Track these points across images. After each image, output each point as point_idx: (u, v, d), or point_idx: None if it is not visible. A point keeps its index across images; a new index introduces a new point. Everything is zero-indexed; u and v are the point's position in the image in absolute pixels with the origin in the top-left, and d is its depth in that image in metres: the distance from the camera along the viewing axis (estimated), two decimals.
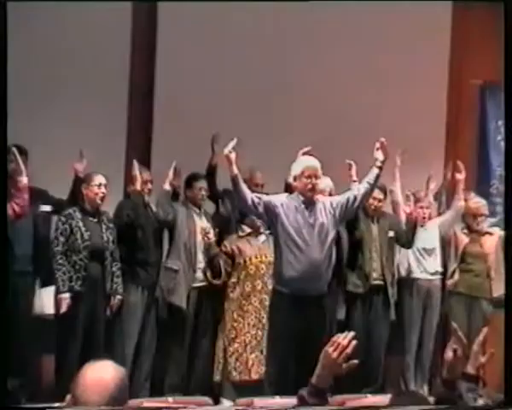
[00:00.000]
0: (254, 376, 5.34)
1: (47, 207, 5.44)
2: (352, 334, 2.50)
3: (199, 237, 5.62)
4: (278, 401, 3.82)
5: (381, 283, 5.93)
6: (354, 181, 5.33)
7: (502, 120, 7.13)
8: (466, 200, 6.28)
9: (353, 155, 5.43)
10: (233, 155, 4.64)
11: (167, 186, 5.52)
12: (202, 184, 5.72)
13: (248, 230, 5.63)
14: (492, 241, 6.30)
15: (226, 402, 5.26)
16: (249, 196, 4.75)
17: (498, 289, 6.30)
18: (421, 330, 6.21)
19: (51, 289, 5.30)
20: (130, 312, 5.46)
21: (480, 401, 3.09)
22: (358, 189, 4.91)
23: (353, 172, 5.34)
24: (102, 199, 5.26)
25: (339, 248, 5.62)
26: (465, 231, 6.28)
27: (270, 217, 4.82)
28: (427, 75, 6.73)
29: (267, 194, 5.06)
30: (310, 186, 4.77)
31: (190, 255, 5.60)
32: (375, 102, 6.50)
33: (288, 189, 5.15)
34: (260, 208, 4.77)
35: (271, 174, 5.76)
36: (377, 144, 4.79)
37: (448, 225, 6.26)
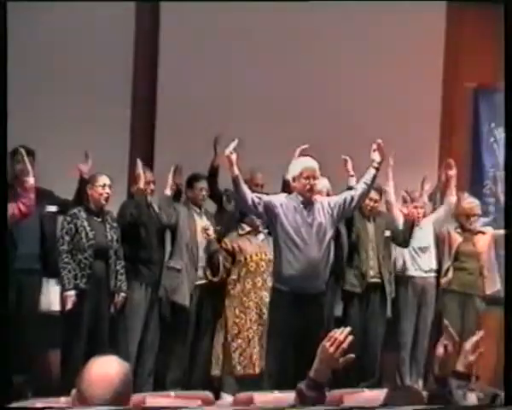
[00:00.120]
0: (258, 370, 5.34)
1: (53, 208, 5.45)
2: (348, 329, 2.52)
3: (200, 237, 5.63)
4: (277, 395, 3.81)
5: (379, 280, 5.94)
6: (351, 176, 5.35)
7: (494, 122, 7.15)
8: (459, 200, 6.30)
9: (349, 156, 5.43)
10: (234, 156, 4.64)
11: (168, 191, 5.54)
12: (203, 184, 5.73)
13: (248, 228, 5.63)
14: (485, 240, 6.32)
15: (226, 397, 5.26)
16: (249, 196, 4.75)
17: (491, 287, 6.32)
18: (416, 327, 6.23)
19: (57, 287, 5.30)
20: (133, 309, 5.46)
21: (470, 396, 3.10)
22: (356, 189, 4.92)
23: (349, 166, 5.35)
24: (107, 199, 5.27)
25: (338, 246, 5.64)
26: (458, 230, 6.30)
27: (270, 216, 4.82)
28: (421, 78, 6.73)
29: (267, 194, 5.05)
30: (308, 187, 4.77)
31: (192, 254, 5.61)
32: (371, 105, 6.50)
33: (286, 186, 5.15)
34: (260, 208, 4.77)
35: (271, 175, 5.76)
36: (374, 146, 4.80)
37: (442, 221, 6.28)
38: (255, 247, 5.59)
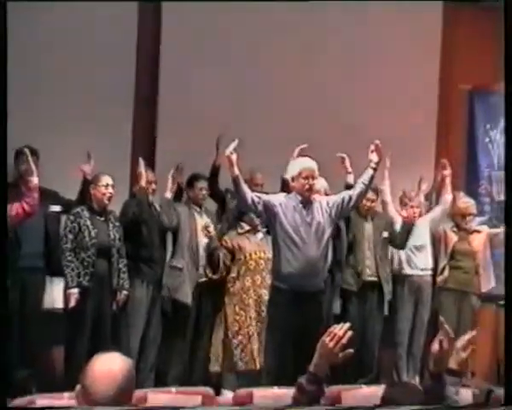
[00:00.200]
0: (259, 365, 5.35)
1: (57, 207, 5.45)
2: (347, 325, 2.55)
3: (200, 236, 5.64)
4: (277, 391, 3.82)
5: (376, 279, 5.95)
6: (349, 173, 5.37)
7: (489, 123, 7.17)
8: (455, 199, 6.31)
9: (347, 156, 5.44)
10: (234, 157, 4.64)
11: (168, 194, 5.55)
12: (203, 184, 5.74)
13: (247, 227, 5.64)
14: (480, 239, 6.33)
15: (227, 392, 5.27)
16: (249, 195, 4.75)
17: (486, 285, 6.33)
18: (412, 324, 6.23)
19: (61, 285, 5.31)
20: (135, 306, 5.46)
21: (463, 393, 3.11)
22: (354, 188, 4.92)
23: (347, 164, 5.37)
24: (109, 199, 5.27)
25: (338, 244, 5.65)
26: (454, 229, 6.31)
27: (269, 215, 4.83)
28: (418, 80, 6.74)
29: (266, 193, 5.06)
30: (307, 186, 4.78)
31: (193, 253, 5.62)
32: (368, 106, 6.50)
33: (285, 186, 5.16)
34: (260, 207, 4.78)
35: (270, 175, 5.76)
36: (372, 147, 4.80)
37: (438, 220, 6.29)
38: (254, 245, 5.59)
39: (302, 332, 4.60)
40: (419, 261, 6.22)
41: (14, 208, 4.81)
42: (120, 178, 5.57)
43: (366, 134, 5.30)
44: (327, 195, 5.24)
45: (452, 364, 2.84)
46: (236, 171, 4.65)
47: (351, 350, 2.52)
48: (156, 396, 3.67)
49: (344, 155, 5.36)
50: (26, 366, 5.32)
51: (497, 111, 7.11)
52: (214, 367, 5.57)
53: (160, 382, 5.47)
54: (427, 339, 6.06)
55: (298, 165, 4.90)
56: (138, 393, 3.17)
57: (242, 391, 3.90)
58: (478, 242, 6.30)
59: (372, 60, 6.54)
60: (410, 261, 6.20)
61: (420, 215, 6.15)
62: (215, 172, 5.75)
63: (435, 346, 2.84)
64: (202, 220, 5.71)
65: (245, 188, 4.76)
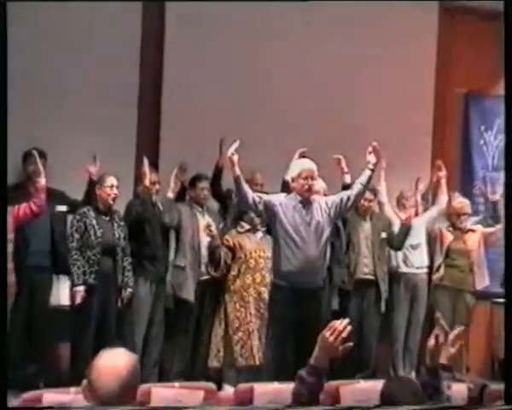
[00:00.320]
0: (258, 361, 5.35)
1: (63, 207, 5.46)
2: (347, 320, 2.59)
3: (203, 235, 5.65)
4: (277, 386, 3.82)
5: (373, 278, 5.96)
6: (346, 173, 5.38)
7: (484, 125, 7.18)
8: (450, 199, 6.32)
9: (346, 157, 5.44)
10: (235, 157, 4.65)
11: (170, 194, 5.55)
12: (205, 184, 5.75)
13: (247, 226, 5.64)
14: (475, 238, 6.33)
15: (228, 388, 5.27)
16: (250, 195, 4.76)
17: (481, 283, 6.34)
18: (408, 321, 6.24)
19: (67, 283, 5.32)
20: (139, 304, 5.47)
21: (455, 387, 3.12)
22: (352, 189, 4.93)
23: (343, 164, 5.38)
24: (114, 199, 5.28)
25: (336, 243, 5.66)
26: (450, 228, 6.32)
27: (270, 215, 4.84)
28: (415, 84, 6.74)
29: (267, 193, 5.07)
30: (306, 187, 4.79)
31: (195, 252, 5.63)
32: (366, 108, 6.49)
33: (285, 186, 5.16)
34: (260, 207, 4.79)
35: (271, 175, 5.77)
36: (370, 148, 4.81)
37: (434, 220, 6.30)
38: (254, 244, 5.60)
39: (302, 328, 4.61)
40: (415, 260, 6.22)
41: (21, 209, 4.83)
42: (125, 179, 5.57)
43: (364, 136, 5.31)
44: (325, 195, 5.24)
45: (443, 359, 2.86)
46: (238, 171, 4.66)
47: (350, 344, 2.55)
48: (160, 391, 3.68)
49: (340, 157, 5.37)
50: (33, 361, 5.34)
51: (492, 114, 7.13)
52: (213, 363, 5.57)
53: (164, 377, 5.49)
54: (423, 335, 6.07)
55: (298, 166, 4.91)
56: (142, 388, 3.18)
57: (243, 386, 3.91)
58: (472, 241, 6.31)
59: (370, 65, 6.53)
60: (407, 260, 6.20)
61: (416, 214, 6.15)
62: (218, 173, 5.75)
63: (431, 341, 2.86)
64: (204, 220, 5.72)
65: (246, 188, 4.77)
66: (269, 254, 5.25)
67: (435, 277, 6.24)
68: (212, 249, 5.56)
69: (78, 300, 5.09)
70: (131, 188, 5.84)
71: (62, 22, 5.80)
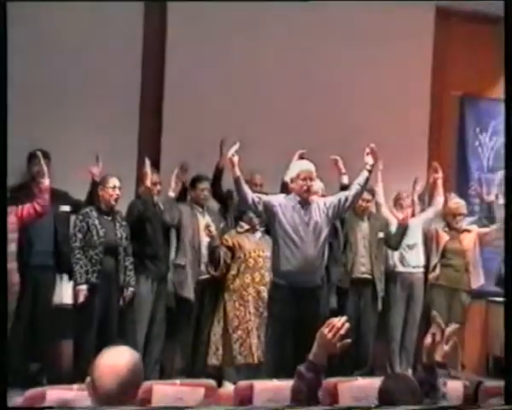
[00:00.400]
0: (257, 359, 5.36)
1: (66, 207, 5.47)
2: (345, 318, 2.60)
3: (203, 234, 5.66)
4: (276, 383, 3.82)
5: (370, 277, 5.97)
6: (343, 173, 5.38)
7: (479, 127, 7.19)
8: (446, 200, 6.33)
9: (342, 159, 5.44)
10: (235, 159, 4.66)
11: (171, 193, 5.56)
12: (205, 185, 5.76)
13: (246, 226, 5.65)
14: (470, 238, 6.34)
15: (228, 385, 5.28)
16: (250, 195, 4.77)
17: (476, 282, 6.34)
18: (405, 320, 6.25)
19: (70, 282, 5.32)
20: (141, 302, 5.47)
21: (453, 384, 3.13)
22: (350, 190, 4.94)
23: (340, 165, 5.39)
24: (116, 200, 5.29)
25: (334, 243, 5.66)
26: (445, 229, 6.32)
27: (269, 215, 4.84)
28: (411, 87, 6.75)
29: (266, 194, 5.08)
30: (305, 188, 4.80)
31: (195, 251, 5.64)
32: (363, 110, 6.50)
33: (285, 187, 5.17)
34: (260, 207, 4.79)
35: (271, 177, 5.77)
36: (367, 150, 4.82)
37: (430, 220, 6.31)
38: (253, 244, 5.61)
39: (300, 326, 4.62)
40: (411, 259, 6.23)
41: (25, 209, 4.83)
42: (126, 179, 5.57)
43: (361, 137, 5.32)
44: (323, 196, 5.25)
45: (438, 356, 2.87)
46: (238, 172, 4.67)
47: (348, 340, 2.57)
48: (161, 388, 3.68)
49: (337, 158, 5.38)
50: (37, 359, 5.35)
51: (487, 116, 7.14)
52: (212, 360, 5.58)
53: (165, 374, 5.49)
54: (419, 334, 6.08)
55: (297, 167, 4.92)
56: (144, 385, 3.18)
57: (243, 383, 3.90)
58: (468, 241, 6.32)
59: (367, 64, 6.53)
60: (403, 259, 6.21)
61: (413, 215, 6.16)
62: (218, 173, 5.76)
63: (428, 339, 2.87)
64: (204, 220, 5.72)
65: (246, 188, 4.77)
66: (267, 253, 5.26)
67: (431, 276, 6.25)
68: (212, 249, 5.58)
69: (81, 298, 5.10)
70: (133, 188, 5.84)
71: (62, 22, 5.78)
